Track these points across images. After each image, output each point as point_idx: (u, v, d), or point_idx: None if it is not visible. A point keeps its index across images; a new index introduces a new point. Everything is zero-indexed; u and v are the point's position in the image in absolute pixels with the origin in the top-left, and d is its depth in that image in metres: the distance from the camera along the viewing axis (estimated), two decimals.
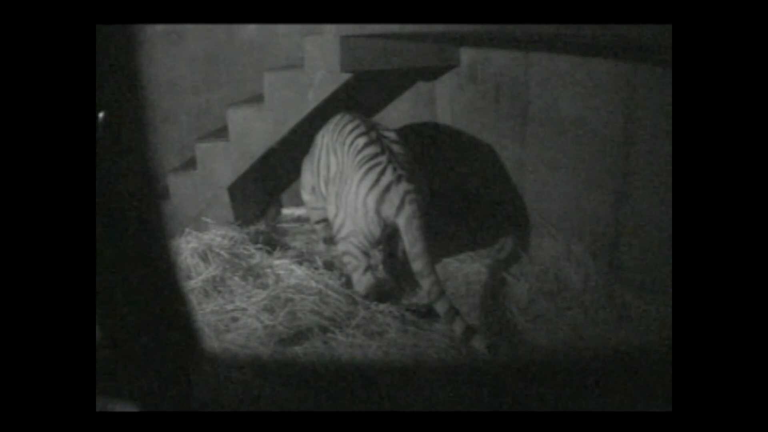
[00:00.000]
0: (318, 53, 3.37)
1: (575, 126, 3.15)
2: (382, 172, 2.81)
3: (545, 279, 3.04)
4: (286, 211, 4.04)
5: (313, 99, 3.43)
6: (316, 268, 3.07)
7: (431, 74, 3.91)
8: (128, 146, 0.92)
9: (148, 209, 0.98)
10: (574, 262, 3.07)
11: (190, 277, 2.93)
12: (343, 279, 3.01)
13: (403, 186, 2.76)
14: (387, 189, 2.78)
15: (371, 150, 2.90)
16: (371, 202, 2.81)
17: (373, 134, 2.97)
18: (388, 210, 2.77)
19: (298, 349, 2.52)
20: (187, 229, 3.28)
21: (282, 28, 4.00)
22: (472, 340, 2.43)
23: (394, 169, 2.80)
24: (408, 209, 2.72)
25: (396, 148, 2.94)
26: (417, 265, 2.63)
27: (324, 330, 2.63)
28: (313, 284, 2.91)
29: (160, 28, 3.78)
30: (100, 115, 0.88)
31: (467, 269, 3.21)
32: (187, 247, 3.11)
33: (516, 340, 2.61)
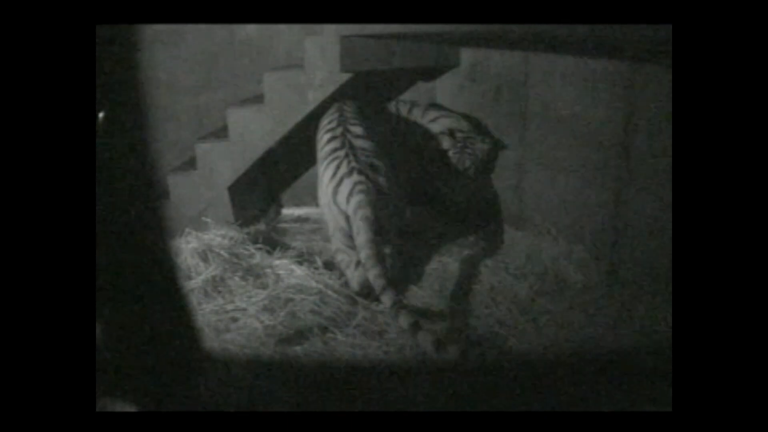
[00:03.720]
0: (318, 53, 3.37)
1: (575, 126, 3.15)
2: (339, 166, 2.91)
3: (545, 279, 3.04)
4: (286, 211, 4.04)
5: (313, 99, 3.44)
6: (316, 268, 3.07)
7: (431, 74, 3.91)
8: (128, 146, 0.92)
9: (148, 209, 0.98)
10: (574, 262, 3.07)
11: (190, 277, 2.93)
12: (343, 279, 3.01)
13: (354, 177, 2.84)
14: (340, 181, 2.87)
15: (333, 145, 3.01)
16: (330, 194, 2.90)
17: (339, 130, 3.06)
18: (341, 200, 2.85)
19: (298, 349, 2.52)
20: (187, 229, 3.28)
21: (282, 28, 4.00)
22: (423, 339, 2.34)
23: (349, 162, 2.89)
24: (355, 199, 2.78)
25: (359, 142, 3.00)
26: (361, 256, 2.66)
27: (324, 330, 2.63)
28: (313, 284, 2.91)
29: (160, 28, 3.78)
30: (100, 115, 0.88)
31: (467, 269, 3.20)
32: (187, 247, 3.11)
33: (516, 340, 2.61)
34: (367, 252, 2.63)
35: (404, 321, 2.41)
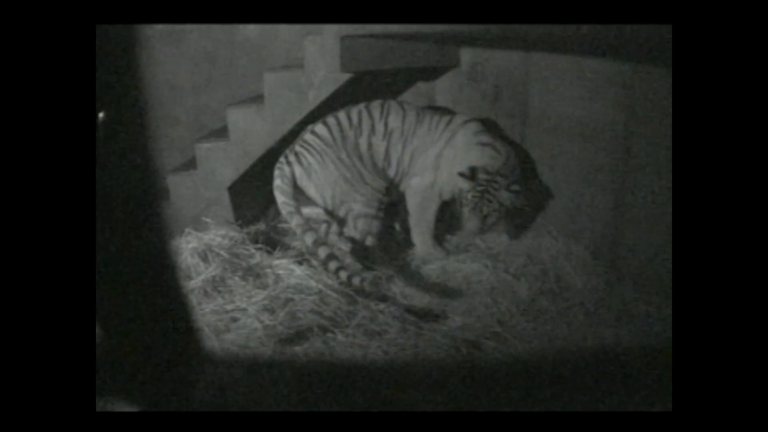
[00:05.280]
0: (318, 53, 3.37)
1: (575, 126, 3.15)
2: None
3: (545, 279, 3.04)
4: None
5: (313, 99, 3.44)
6: (316, 269, 3.07)
7: (431, 74, 3.91)
8: (128, 146, 0.92)
9: (148, 209, 0.98)
10: (574, 262, 3.08)
11: (190, 277, 2.92)
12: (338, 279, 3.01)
13: (279, 160, 3.29)
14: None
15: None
16: None
17: (309, 127, 3.36)
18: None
19: (298, 349, 2.52)
20: (187, 229, 3.28)
21: (282, 28, 4.00)
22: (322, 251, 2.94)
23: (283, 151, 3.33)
24: (274, 174, 3.26)
25: (306, 136, 3.31)
26: (285, 217, 3.20)
27: (324, 330, 2.62)
28: (313, 284, 2.91)
29: (160, 28, 3.78)
30: (100, 115, 0.88)
31: (467, 269, 3.21)
32: (187, 247, 3.11)
33: (516, 340, 2.61)
34: (284, 211, 3.17)
35: (309, 239, 3.03)
